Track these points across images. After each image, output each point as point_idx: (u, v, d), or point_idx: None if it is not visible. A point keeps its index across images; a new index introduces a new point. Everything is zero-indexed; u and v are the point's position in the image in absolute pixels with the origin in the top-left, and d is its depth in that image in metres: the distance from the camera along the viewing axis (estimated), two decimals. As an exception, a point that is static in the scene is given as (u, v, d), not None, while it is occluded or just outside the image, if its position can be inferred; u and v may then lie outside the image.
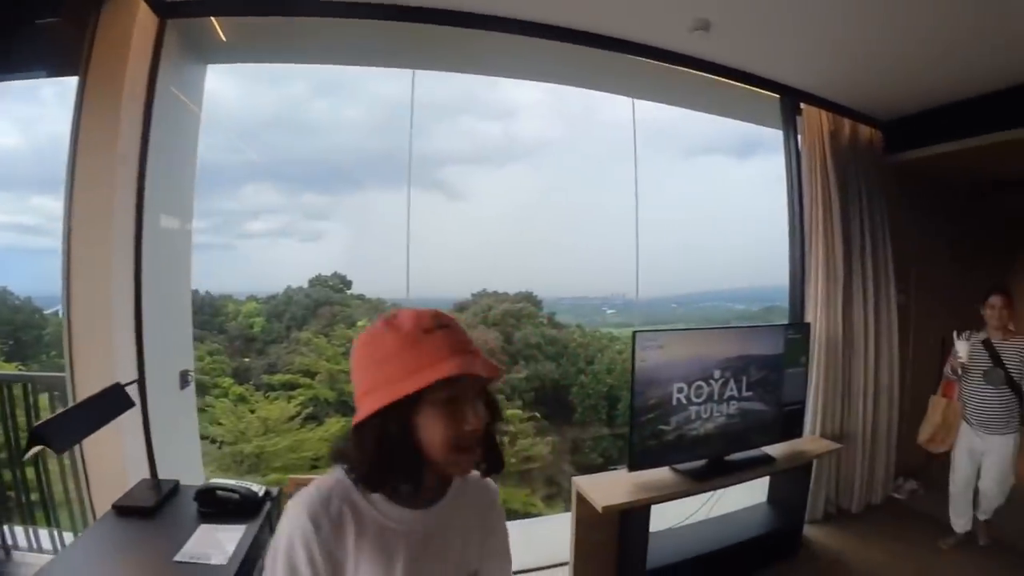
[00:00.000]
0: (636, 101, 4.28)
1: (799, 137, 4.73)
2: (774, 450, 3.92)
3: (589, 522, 3.33)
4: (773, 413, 3.87)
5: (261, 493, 2.45)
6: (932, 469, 5.38)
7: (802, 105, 4.67)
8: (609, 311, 29.94)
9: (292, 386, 18.82)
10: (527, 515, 17.94)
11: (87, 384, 2.81)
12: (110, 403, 2.36)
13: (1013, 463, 4.03)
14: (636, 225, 4.41)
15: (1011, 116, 4.30)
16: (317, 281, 24.01)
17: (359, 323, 20.83)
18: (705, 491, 3.61)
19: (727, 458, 3.69)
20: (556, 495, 19.24)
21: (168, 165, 3.41)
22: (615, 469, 3.61)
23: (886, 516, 4.90)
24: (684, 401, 3.42)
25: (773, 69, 4.35)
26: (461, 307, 23.15)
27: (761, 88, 4.55)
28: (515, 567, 2.74)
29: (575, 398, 20.73)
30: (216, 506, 2.38)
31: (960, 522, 4.30)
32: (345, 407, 18.96)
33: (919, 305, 5.75)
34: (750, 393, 3.68)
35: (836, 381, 4.71)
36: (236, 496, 2.40)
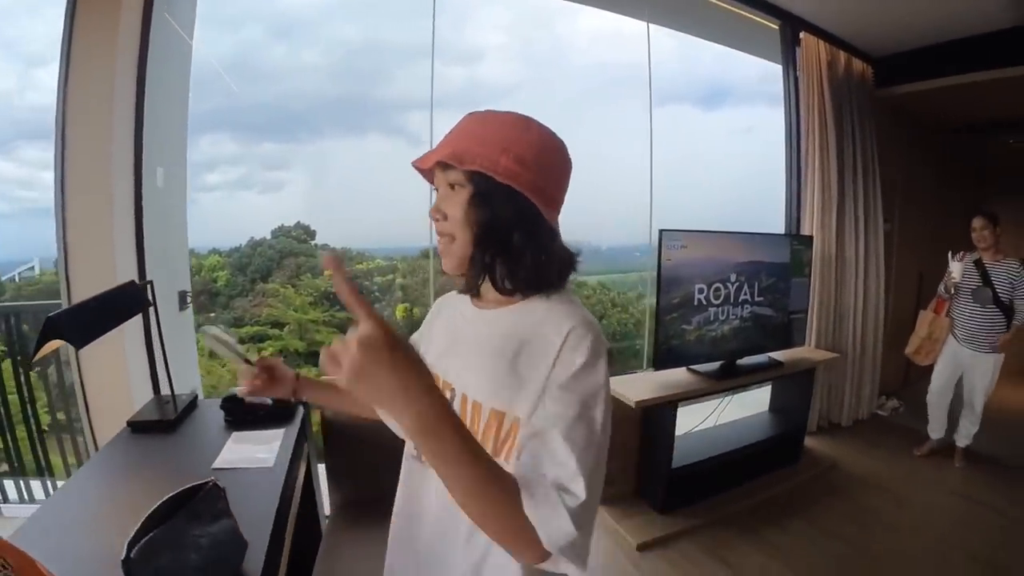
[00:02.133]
0: (649, 26, 4.38)
1: (798, 65, 4.94)
2: (780, 356, 4.19)
3: (617, 418, 3.55)
4: (780, 320, 4.13)
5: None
6: (911, 389, 5.94)
7: (801, 35, 4.87)
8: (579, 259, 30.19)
9: (261, 338, 18.76)
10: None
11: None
12: (126, 300, 2.10)
13: (992, 382, 4.37)
14: (651, 169, 4.37)
15: (990, 58, 4.75)
16: (280, 232, 23.55)
17: (327, 272, 20.58)
18: (723, 391, 3.90)
19: (739, 362, 3.94)
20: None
21: (165, 101, 3.25)
22: (636, 371, 3.83)
23: (872, 430, 5.30)
24: (704, 302, 3.64)
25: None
26: (427, 253, 22.93)
27: (765, 13, 4.77)
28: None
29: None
30: (245, 415, 2.24)
31: (935, 426, 4.73)
32: (316, 357, 18.64)
33: (901, 235, 6.09)
34: (761, 299, 3.92)
35: (830, 297, 5.03)
36: (268, 401, 2.25)
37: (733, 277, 3.73)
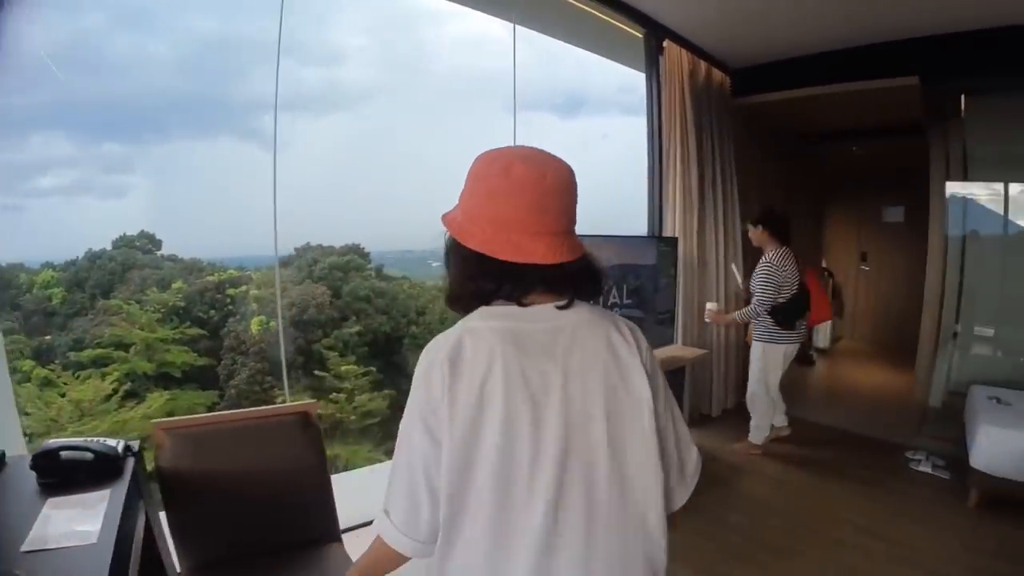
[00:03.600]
0: (516, 27, 4.39)
1: (661, 72, 5.14)
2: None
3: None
4: (649, 321, 4.31)
5: (120, 448, 1.87)
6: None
7: (665, 44, 5.07)
8: (435, 263, 29.99)
9: (104, 362, 17.34)
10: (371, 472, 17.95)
11: None
12: None
13: (759, 370, 4.65)
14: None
15: (834, 73, 5.28)
16: (122, 242, 21.95)
17: (175, 284, 19.55)
18: None
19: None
20: (399, 449, 19.29)
21: None
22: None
23: (740, 417, 5.42)
24: None
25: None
26: (285, 262, 22.28)
27: (631, 21, 4.92)
28: (359, 519, 2.85)
29: (408, 349, 20.74)
30: (63, 473, 1.75)
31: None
32: (167, 379, 17.33)
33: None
34: (630, 301, 4.07)
35: (693, 296, 5.27)
36: (88, 455, 1.78)
37: (606, 282, 3.84)
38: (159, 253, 20.63)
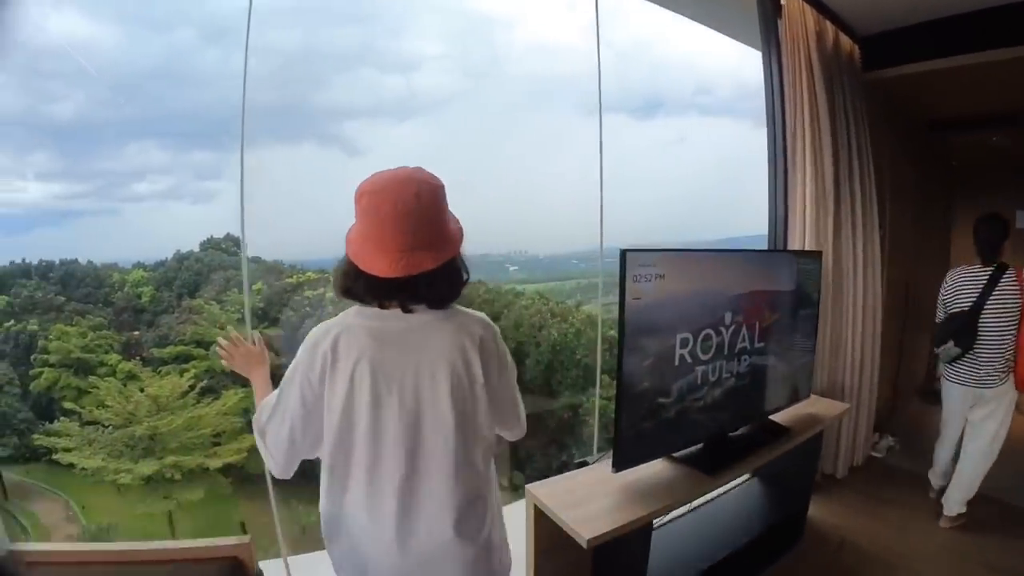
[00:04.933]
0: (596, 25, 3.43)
1: (781, 38, 3.68)
2: (784, 418, 2.83)
3: (553, 550, 2.14)
4: (786, 368, 2.76)
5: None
6: (899, 417, 4.89)
7: (783, 1, 3.61)
8: (512, 267, 29.17)
9: (185, 358, 17.60)
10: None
11: None
12: None
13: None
14: (600, 174, 3.56)
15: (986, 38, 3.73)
16: (209, 244, 22.32)
17: (255, 286, 19.36)
18: (718, 486, 2.43)
19: (732, 435, 2.57)
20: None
21: None
22: (584, 463, 2.45)
23: (872, 480, 4.06)
24: (689, 359, 2.21)
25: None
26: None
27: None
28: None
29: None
30: None
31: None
32: (244, 378, 17.16)
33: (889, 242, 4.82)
34: (762, 344, 2.54)
35: (826, 325, 3.66)
36: None
37: (728, 317, 2.34)
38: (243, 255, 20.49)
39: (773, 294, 2.57)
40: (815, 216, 3.62)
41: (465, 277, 1.42)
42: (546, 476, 2.25)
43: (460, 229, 1.39)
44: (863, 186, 3.93)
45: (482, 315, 1.48)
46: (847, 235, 3.81)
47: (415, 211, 1.26)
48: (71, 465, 14.40)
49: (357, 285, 1.34)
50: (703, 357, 2.25)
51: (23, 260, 19.38)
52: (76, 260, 20.04)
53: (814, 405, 3.08)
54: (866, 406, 4.13)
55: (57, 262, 19.61)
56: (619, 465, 2.07)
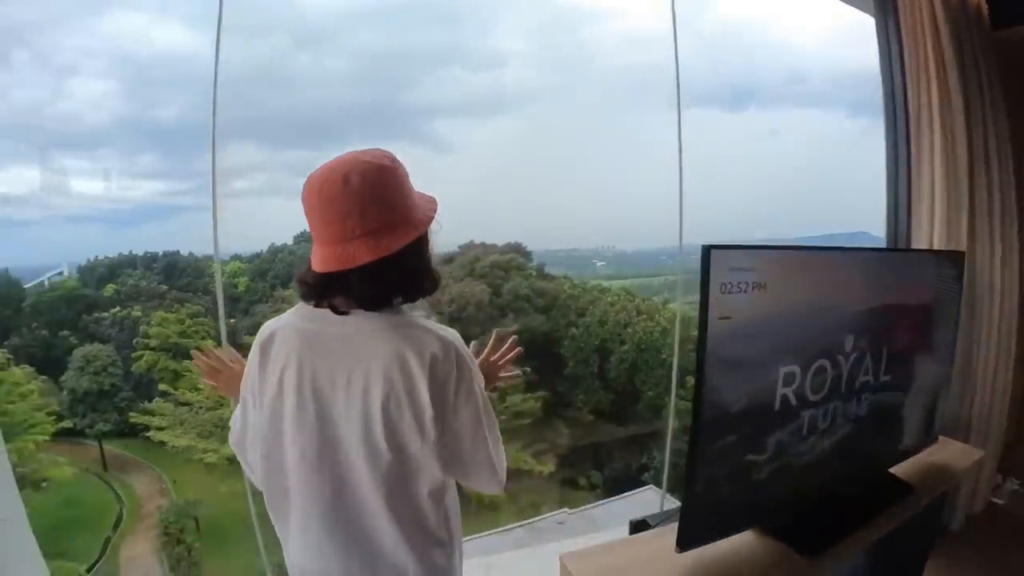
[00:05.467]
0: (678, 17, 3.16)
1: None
2: (905, 471, 2.12)
3: None
4: (915, 406, 2.07)
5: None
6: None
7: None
8: (599, 263, 28.58)
9: None
10: (518, 472, 16.88)
11: None
12: None
13: None
14: (679, 173, 3.47)
15: None
16: (302, 238, 23.04)
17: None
18: (821, 573, 1.78)
19: (840, 498, 1.87)
20: (546, 451, 17.96)
21: None
22: (644, 523, 1.85)
23: (995, 530, 3.23)
24: (794, 401, 1.54)
25: None
26: (448, 259, 21.67)
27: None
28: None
29: (566, 351, 19.34)
30: None
31: None
32: None
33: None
34: (889, 377, 1.87)
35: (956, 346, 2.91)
36: None
37: (850, 343, 1.67)
38: None
39: (908, 308, 1.88)
40: (946, 210, 2.89)
41: (424, 274, 1.22)
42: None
43: (423, 217, 1.18)
44: (1002, 172, 3.11)
45: (448, 331, 1.20)
46: (984, 233, 3.02)
47: (341, 197, 1.09)
48: (162, 443, 15.19)
49: (302, 282, 1.20)
50: (813, 398, 1.57)
51: (130, 252, 21.06)
52: (178, 252, 21.57)
53: (941, 451, 2.33)
54: (994, 441, 3.28)
55: (160, 253, 21.22)
56: (685, 544, 1.43)
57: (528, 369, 17.65)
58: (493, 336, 1.57)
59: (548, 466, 16.84)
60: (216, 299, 19.22)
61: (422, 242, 1.19)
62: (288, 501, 1.21)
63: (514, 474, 16.53)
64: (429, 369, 1.12)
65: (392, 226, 1.12)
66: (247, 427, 1.27)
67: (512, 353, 1.60)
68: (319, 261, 1.12)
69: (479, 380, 1.22)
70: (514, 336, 1.61)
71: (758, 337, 1.40)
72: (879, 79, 3.19)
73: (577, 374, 18.34)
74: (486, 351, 1.55)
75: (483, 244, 21.50)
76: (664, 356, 17.47)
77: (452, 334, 1.19)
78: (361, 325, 1.15)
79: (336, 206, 1.09)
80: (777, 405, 1.50)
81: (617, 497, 12.14)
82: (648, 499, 10.90)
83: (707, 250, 1.28)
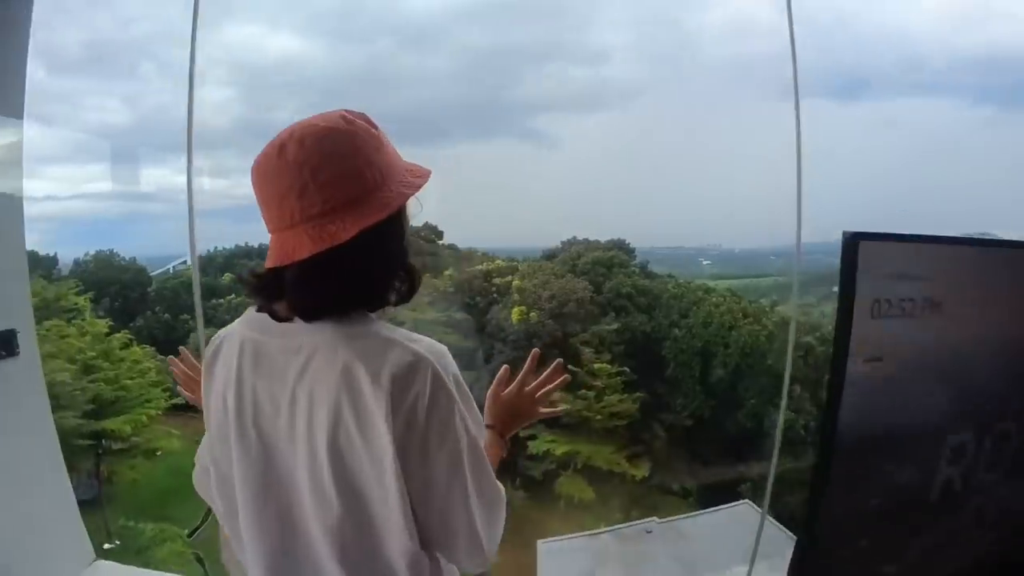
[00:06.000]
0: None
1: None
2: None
3: None
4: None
5: None
6: None
7: None
8: (705, 262, 27.47)
9: None
10: (610, 474, 16.30)
11: None
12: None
13: None
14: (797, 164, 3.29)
15: None
16: (410, 232, 23.21)
17: (446, 272, 19.90)
18: None
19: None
20: (641, 454, 17.25)
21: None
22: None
23: None
24: (959, 485, 0.96)
25: None
26: (550, 255, 21.29)
27: None
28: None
29: (667, 353, 18.48)
30: None
31: None
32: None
33: None
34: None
35: None
36: None
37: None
38: (440, 242, 21.80)
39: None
40: None
41: (390, 272, 0.92)
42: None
43: (392, 195, 0.87)
44: None
45: (424, 343, 0.89)
46: None
47: (275, 172, 0.84)
48: None
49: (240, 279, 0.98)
50: (985, 478, 1.04)
51: (245, 244, 21.55)
52: None
53: None
54: None
55: None
56: None
57: (627, 369, 17.15)
58: (530, 357, 1.22)
59: (642, 470, 16.17)
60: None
61: (390, 229, 0.89)
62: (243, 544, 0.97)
63: (606, 476, 16.03)
64: (388, 394, 0.82)
65: (344, 208, 0.83)
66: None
67: (558, 381, 1.23)
68: (269, 254, 0.88)
69: (469, 415, 0.91)
70: (560, 360, 1.24)
71: (924, 391, 0.88)
72: (1006, 64, 2.58)
73: (677, 376, 17.47)
74: (520, 375, 1.21)
75: (585, 240, 21.03)
76: (770, 362, 16.43)
77: (429, 347, 0.88)
78: (308, 335, 0.89)
79: (270, 184, 0.86)
80: (936, 494, 0.97)
81: (710, 510, 11.43)
82: (742, 515, 10.15)
83: (852, 241, 0.77)
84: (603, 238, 21.01)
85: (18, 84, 2.15)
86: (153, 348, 16.55)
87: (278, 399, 0.88)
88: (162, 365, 16.36)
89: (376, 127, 0.91)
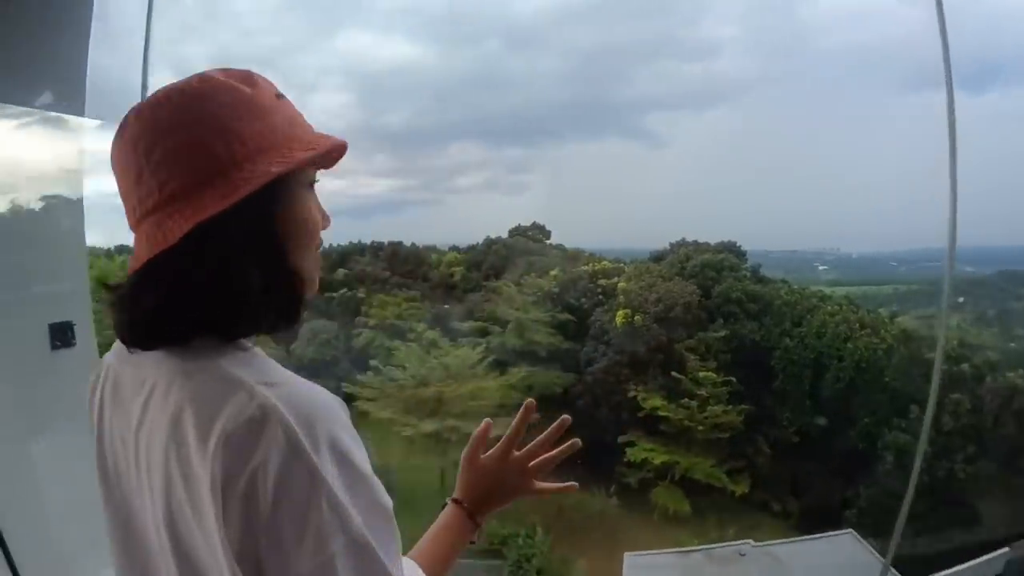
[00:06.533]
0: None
1: None
2: None
3: None
4: None
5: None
6: None
7: None
8: (821, 267, 25.92)
9: (483, 332, 19.39)
10: (708, 487, 15.62)
11: None
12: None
13: None
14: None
15: None
16: (516, 232, 23.99)
17: (552, 272, 19.84)
18: None
19: None
20: (743, 469, 16.42)
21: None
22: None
23: None
24: None
25: None
26: (657, 257, 20.73)
27: None
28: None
29: (777, 363, 17.48)
30: None
31: None
32: (532, 356, 19.46)
33: None
34: None
35: None
36: None
37: None
38: (548, 242, 21.87)
39: None
40: None
41: (249, 284, 0.63)
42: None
43: (258, 170, 0.61)
44: None
45: (275, 393, 0.59)
46: None
47: (116, 157, 0.65)
48: (365, 413, 16.09)
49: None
50: None
51: (359, 240, 23.16)
52: (401, 242, 23.47)
53: None
54: None
55: (386, 243, 23.19)
56: None
57: (733, 379, 16.48)
58: (522, 408, 0.94)
59: (742, 486, 15.48)
60: (432, 285, 20.89)
61: (255, 223, 0.64)
62: None
63: (705, 489, 15.60)
64: (216, 460, 0.56)
65: (184, 196, 0.61)
66: None
67: (563, 448, 0.96)
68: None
69: (352, 500, 0.58)
70: (565, 417, 0.95)
71: None
72: None
73: (786, 389, 16.52)
74: (507, 434, 0.94)
75: (695, 242, 20.33)
76: (887, 379, 15.28)
77: (290, 395, 0.60)
78: (153, 367, 0.67)
79: (116, 173, 0.67)
80: None
81: (810, 537, 10.77)
82: (844, 546, 9.51)
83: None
84: (713, 240, 20.31)
85: (79, 82, 2.15)
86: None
87: (128, 443, 0.69)
88: (276, 352, 17.22)
89: (263, 87, 0.67)
